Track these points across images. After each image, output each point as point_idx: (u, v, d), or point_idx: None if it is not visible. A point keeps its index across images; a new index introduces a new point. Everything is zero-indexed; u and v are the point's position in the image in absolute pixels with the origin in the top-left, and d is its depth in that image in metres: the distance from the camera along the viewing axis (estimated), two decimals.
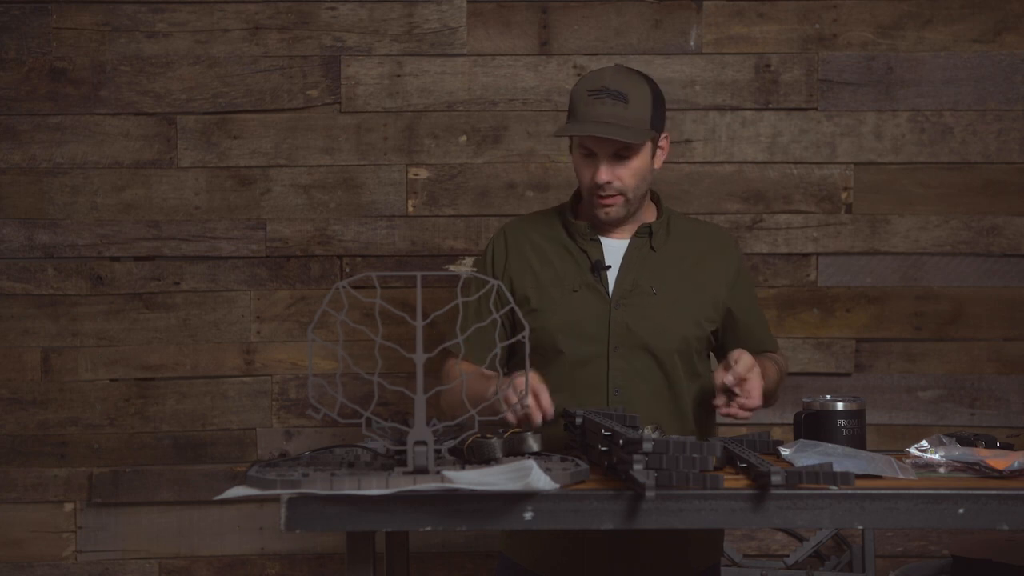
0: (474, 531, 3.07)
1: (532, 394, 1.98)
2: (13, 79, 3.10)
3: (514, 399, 1.92)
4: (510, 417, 1.94)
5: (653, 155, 2.29)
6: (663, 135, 2.31)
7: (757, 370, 2.09)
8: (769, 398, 2.28)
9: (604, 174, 2.22)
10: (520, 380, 1.94)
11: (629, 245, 2.32)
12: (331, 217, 3.12)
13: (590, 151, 2.23)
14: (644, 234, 2.32)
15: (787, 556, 3.07)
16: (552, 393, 2.23)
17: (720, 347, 2.37)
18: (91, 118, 3.11)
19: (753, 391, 2.07)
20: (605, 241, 2.32)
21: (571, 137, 2.28)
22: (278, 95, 3.11)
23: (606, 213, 2.27)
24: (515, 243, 2.37)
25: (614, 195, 2.24)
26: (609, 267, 2.30)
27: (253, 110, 3.12)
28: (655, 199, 2.39)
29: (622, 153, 2.23)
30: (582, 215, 2.37)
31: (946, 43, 3.11)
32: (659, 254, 2.32)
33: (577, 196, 2.40)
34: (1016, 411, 3.11)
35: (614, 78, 2.25)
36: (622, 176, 2.23)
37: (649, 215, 2.36)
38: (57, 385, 3.11)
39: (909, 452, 1.92)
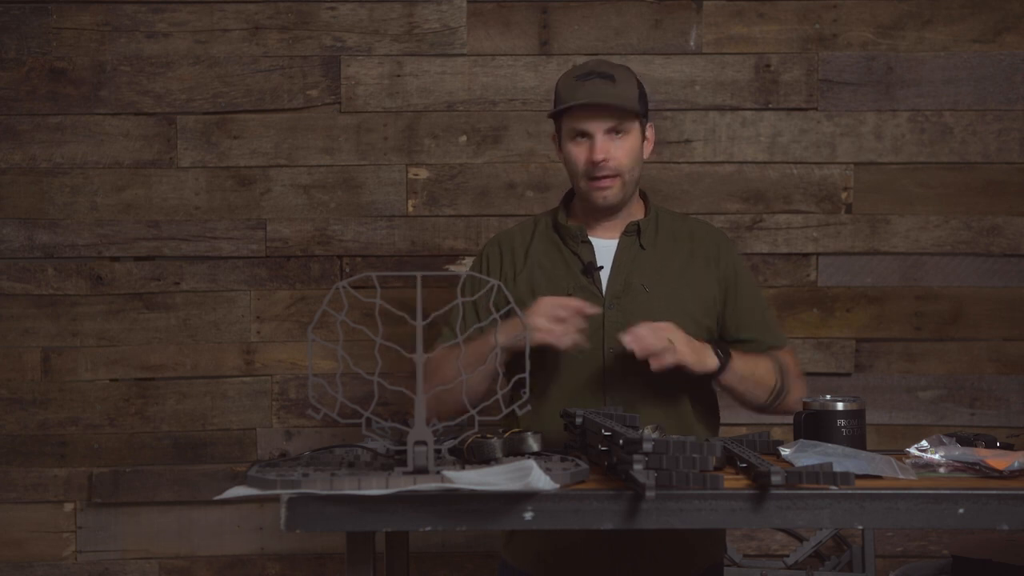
0: (474, 531, 3.07)
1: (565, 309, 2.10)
2: (13, 79, 3.10)
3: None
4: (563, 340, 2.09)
5: (642, 141, 2.30)
6: (648, 124, 2.32)
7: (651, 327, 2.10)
8: (757, 386, 2.27)
9: (600, 151, 2.22)
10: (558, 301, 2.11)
11: (619, 244, 2.31)
12: (331, 217, 3.12)
13: (583, 132, 2.24)
14: (633, 232, 2.32)
15: (787, 556, 3.07)
16: (549, 394, 2.24)
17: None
18: (91, 118, 3.11)
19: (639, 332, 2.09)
20: (596, 242, 2.32)
21: (559, 129, 2.29)
22: (278, 95, 3.11)
23: (604, 197, 2.26)
24: (509, 250, 2.37)
25: (611, 175, 2.24)
26: (601, 268, 2.29)
27: (253, 110, 3.12)
28: (643, 196, 2.39)
29: (617, 128, 2.23)
30: (576, 216, 2.36)
31: (946, 43, 3.11)
32: (649, 252, 2.31)
33: (568, 199, 2.40)
34: (1016, 411, 3.10)
35: (599, 64, 2.28)
36: (617, 155, 2.24)
37: (638, 212, 2.36)
38: (57, 385, 3.11)
39: (909, 452, 1.91)
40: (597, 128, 2.23)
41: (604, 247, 2.32)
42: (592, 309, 2.11)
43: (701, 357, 2.15)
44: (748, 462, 1.75)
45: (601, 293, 2.28)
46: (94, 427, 3.11)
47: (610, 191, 2.26)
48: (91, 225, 3.11)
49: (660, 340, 2.08)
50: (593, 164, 2.23)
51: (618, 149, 2.24)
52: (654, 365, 2.09)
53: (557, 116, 2.29)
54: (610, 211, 2.30)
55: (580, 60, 3.10)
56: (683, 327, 2.25)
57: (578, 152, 2.25)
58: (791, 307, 3.12)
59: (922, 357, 3.13)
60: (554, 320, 2.08)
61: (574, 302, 2.11)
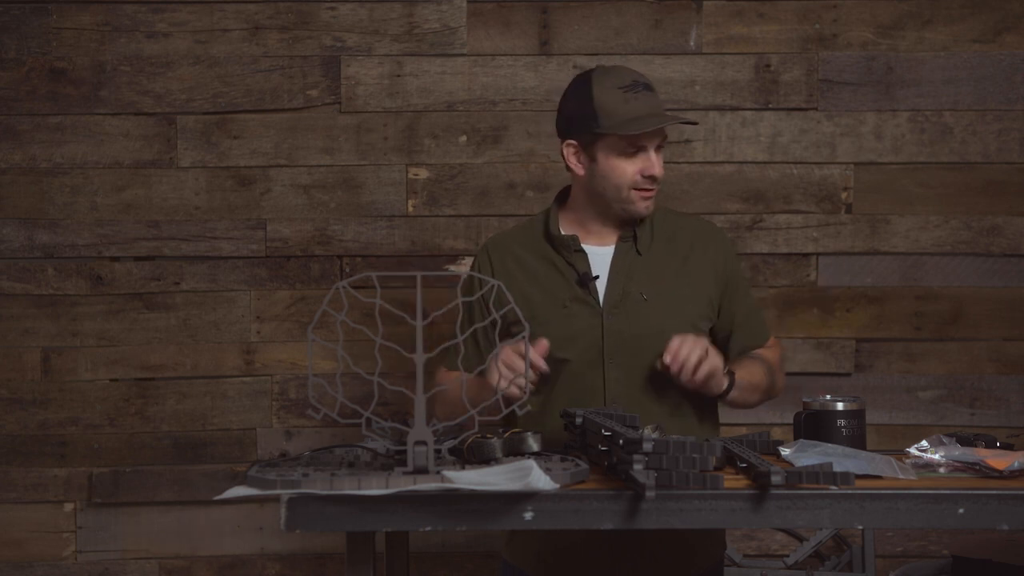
0: (474, 531, 3.07)
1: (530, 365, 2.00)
2: (13, 79, 3.10)
3: (513, 371, 1.98)
4: (513, 391, 1.96)
5: None
6: None
7: (690, 345, 2.11)
8: (754, 392, 2.28)
9: (658, 166, 2.24)
10: (517, 347, 2.01)
11: (615, 252, 2.29)
12: (331, 217, 3.12)
13: (639, 147, 2.23)
14: (628, 238, 2.30)
15: (787, 556, 3.07)
16: (549, 403, 2.23)
17: (713, 341, 2.35)
18: (91, 118, 3.11)
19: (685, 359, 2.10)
20: (590, 250, 2.30)
21: (597, 139, 2.23)
22: (278, 95, 3.11)
23: (647, 207, 2.27)
24: (500, 261, 2.34)
25: (654, 188, 2.27)
26: (597, 277, 2.28)
27: (253, 110, 3.12)
28: None
29: (661, 144, 2.26)
30: (569, 223, 2.34)
31: (946, 43, 3.11)
32: (645, 257, 2.30)
33: (559, 203, 2.38)
34: (1016, 411, 3.11)
35: (633, 73, 2.27)
36: (662, 167, 2.27)
37: None
38: (57, 385, 3.11)
39: (909, 452, 1.91)
40: (653, 142, 2.24)
41: (599, 255, 2.30)
42: (544, 367, 2.10)
43: (719, 381, 2.17)
44: (748, 462, 1.75)
45: (598, 303, 2.27)
46: (94, 427, 3.11)
47: (652, 200, 2.28)
48: (91, 225, 3.11)
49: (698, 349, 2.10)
50: (651, 178, 2.24)
51: (661, 161, 2.27)
52: (690, 378, 2.11)
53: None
54: (635, 220, 2.31)
55: (580, 60, 3.11)
56: (684, 333, 2.24)
57: (627, 165, 2.23)
58: (791, 307, 3.12)
59: (922, 357, 3.13)
60: (508, 368, 2.04)
61: (533, 357, 2.07)
